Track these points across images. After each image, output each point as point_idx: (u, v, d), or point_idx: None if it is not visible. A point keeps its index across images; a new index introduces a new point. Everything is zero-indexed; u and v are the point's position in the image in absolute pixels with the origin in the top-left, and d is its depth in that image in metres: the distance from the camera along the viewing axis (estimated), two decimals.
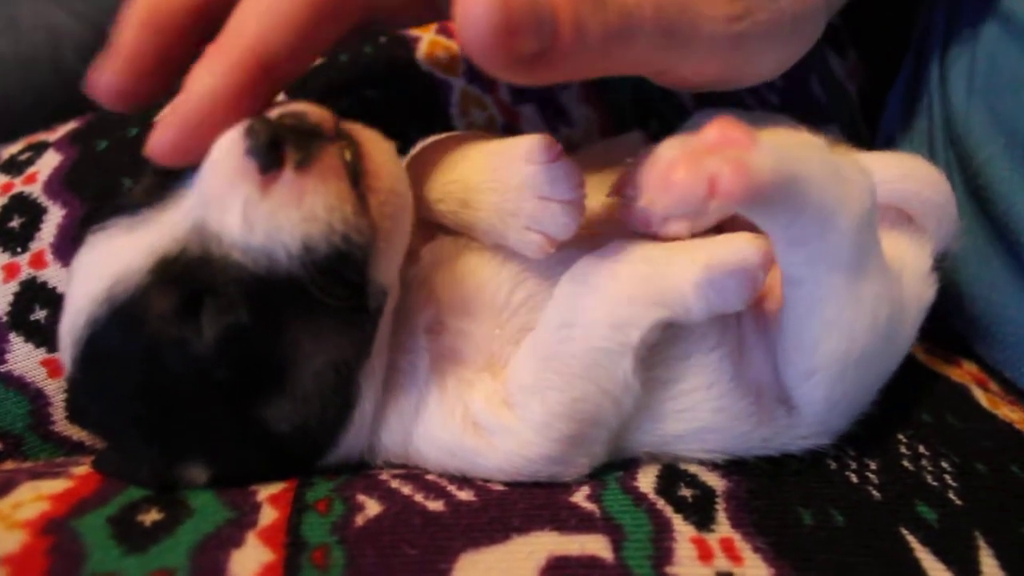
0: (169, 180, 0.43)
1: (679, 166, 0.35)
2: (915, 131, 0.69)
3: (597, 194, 0.48)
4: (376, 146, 0.43)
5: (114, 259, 0.41)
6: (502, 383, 0.46)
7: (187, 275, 0.40)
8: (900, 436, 0.50)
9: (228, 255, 0.40)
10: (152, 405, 0.42)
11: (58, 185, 0.58)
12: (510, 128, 0.67)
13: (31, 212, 0.57)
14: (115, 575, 0.37)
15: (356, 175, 0.41)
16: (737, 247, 0.43)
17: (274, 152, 0.39)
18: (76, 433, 0.54)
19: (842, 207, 0.40)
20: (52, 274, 0.55)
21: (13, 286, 0.54)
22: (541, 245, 0.45)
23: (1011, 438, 0.52)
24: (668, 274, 0.43)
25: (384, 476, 0.46)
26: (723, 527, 0.43)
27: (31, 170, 0.59)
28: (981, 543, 0.44)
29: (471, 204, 0.46)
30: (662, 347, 0.46)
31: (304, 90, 0.61)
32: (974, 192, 0.60)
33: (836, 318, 0.42)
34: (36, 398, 0.53)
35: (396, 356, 0.46)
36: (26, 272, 0.55)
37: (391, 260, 0.43)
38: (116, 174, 0.58)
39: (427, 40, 0.67)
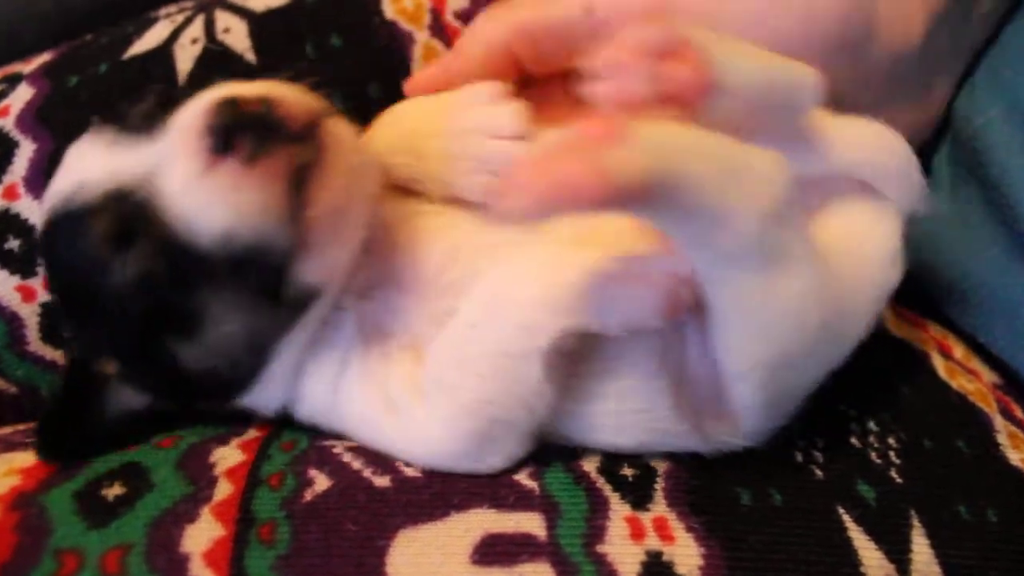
0: (164, 110, 0.44)
1: (534, 167, 0.32)
2: None
3: None
4: (337, 159, 0.42)
5: (87, 166, 0.44)
6: (419, 368, 0.46)
7: (129, 213, 0.43)
8: (852, 411, 0.50)
9: (163, 211, 0.42)
10: (80, 298, 0.46)
11: (30, 120, 0.59)
12: None
13: (4, 146, 0.58)
14: (77, 550, 0.40)
15: (301, 183, 0.41)
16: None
17: (229, 137, 0.41)
18: (49, 353, 0.58)
19: (738, 207, 0.37)
20: (24, 206, 0.57)
21: None
22: (487, 187, 0.45)
23: (962, 411, 0.52)
24: (578, 283, 0.42)
25: (338, 449, 0.48)
26: (659, 506, 0.44)
27: (4, 103, 0.60)
28: (915, 522, 0.45)
29: (420, 153, 0.47)
30: (589, 357, 0.45)
31: (268, 33, 0.61)
32: (967, 156, 0.59)
33: (753, 320, 0.40)
34: (12, 320, 0.57)
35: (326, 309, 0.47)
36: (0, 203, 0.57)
37: (324, 266, 0.44)
38: (86, 110, 0.58)
39: None
